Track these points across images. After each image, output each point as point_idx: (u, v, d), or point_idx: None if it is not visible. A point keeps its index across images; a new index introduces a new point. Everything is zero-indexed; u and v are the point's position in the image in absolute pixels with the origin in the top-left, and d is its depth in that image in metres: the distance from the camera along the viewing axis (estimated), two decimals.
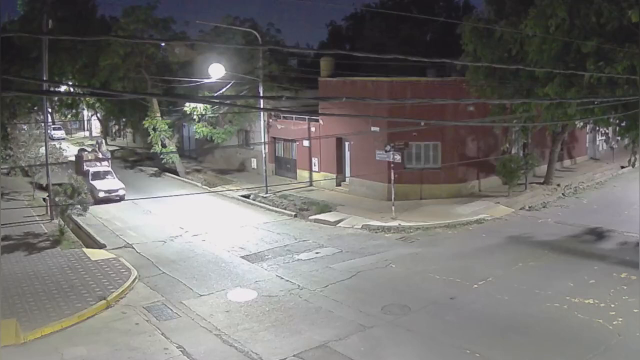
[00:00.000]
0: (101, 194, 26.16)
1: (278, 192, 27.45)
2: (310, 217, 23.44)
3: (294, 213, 24.22)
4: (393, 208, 22.59)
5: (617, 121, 20.44)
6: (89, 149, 35.84)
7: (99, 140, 38.95)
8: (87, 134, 59.98)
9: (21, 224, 22.54)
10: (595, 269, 16.34)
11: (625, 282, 15.13)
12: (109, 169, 28.96)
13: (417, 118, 22.68)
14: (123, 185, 27.20)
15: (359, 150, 26.97)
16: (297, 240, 20.49)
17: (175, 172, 34.06)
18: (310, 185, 29.17)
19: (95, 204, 24.63)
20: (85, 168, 28.22)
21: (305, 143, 29.60)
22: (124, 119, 45.90)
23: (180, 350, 12.32)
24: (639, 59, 16.30)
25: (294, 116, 29.75)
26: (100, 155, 32.08)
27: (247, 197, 27.57)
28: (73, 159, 31.37)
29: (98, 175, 27.82)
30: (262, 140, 30.30)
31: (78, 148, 31.94)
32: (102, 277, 16.48)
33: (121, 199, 26.19)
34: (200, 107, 31.03)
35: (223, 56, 28.29)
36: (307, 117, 28.66)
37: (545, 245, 18.78)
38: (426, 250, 18.84)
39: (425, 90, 24.80)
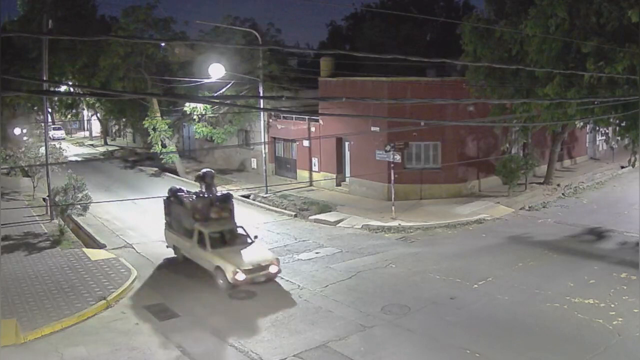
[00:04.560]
0: (239, 276, 14.92)
1: (278, 192, 27.46)
2: (310, 217, 23.44)
3: (294, 213, 24.23)
4: (393, 208, 22.59)
5: (617, 121, 20.44)
6: (187, 189, 19.39)
7: (207, 174, 18.14)
8: (87, 134, 60.04)
9: (21, 224, 22.54)
10: (595, 269, 16.34)
11: (625, 282, 15.13)
12: (236, 224, 17.40)
13: (417, 118, 22.70)
14: (274, 256, 16.26)
15: (359, 150, 26.97)
16: (297, 240, 20.49)
17: (175, 172, 34.07)
18: (310, 185, 29.18)
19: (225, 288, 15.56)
20: (194, 225, 16.84)
21: (305, 143, 29.61)
22: (124, 119, 45.93)
23: (180, 350, 12.31)
24: (639, 59, 16.31)
25: (294, 116, 29.75)
26: (216, 195, 17.84)
27: (247, 197, 27.58)
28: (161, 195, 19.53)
29: (223, 240, 16.61)
30: (262, 140, 30.31)
31: (170, 189, 18.86)
32: (102, 277, 16.48)
33: (272, 278, 15.85)
34: (200, 107, 31.05)
35: (223, 56, 28.29)
36: (307, 117, 28.66)
37: (545, 245, 18.77)
38: (426, 250, 18.83)
39: (425, 90, 24.79)
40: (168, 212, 18.68)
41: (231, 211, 17.68)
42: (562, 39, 17.82)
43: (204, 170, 18.49)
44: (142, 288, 16.13)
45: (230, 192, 19.78)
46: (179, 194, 18.25)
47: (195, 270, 17.58)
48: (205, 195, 17.58)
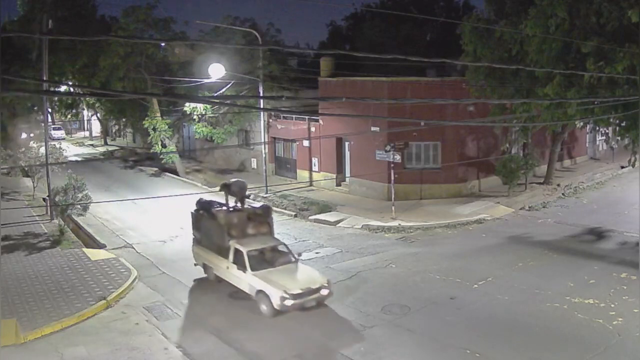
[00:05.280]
0: (288, 302, 13.21)
1: (278, 192, 27.46)
2: (310, 217, 23.44)
3: (294, 213, 24.22)
4: (393, 208, 22.59)
5: (617, 121, 20.44)
6: (218, 201, 17.03)
7: (236, 185, 16.64)
8: (87, 134, 60.04)
9: (21, 224, 22.54)
10: (595, 269, 16.34)
11: (625, 282, 15.13)
12: (278, 240, 15.79)
13: (417, 118, 22.70)
14: (324, 277, 14.45)
15: (359, 150, 26.97)
16: (297, 240, 20.48)
17: (175, 172, 34.07)
18: (310, 185, 29.18)
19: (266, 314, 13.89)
20: (230, 242, 14.96)
21: (305, 143, 29.60)
22: (124, 119, 45.93)
23: (180, 350, 12.32)
24: (639, 59, 16.31)
25: (294, 116, 29.75)
26: (253, 207, 16.87)
27: (247, 197, 27.51)
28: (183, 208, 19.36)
29: (264, 260, 14.67)
30: (262, 140, 30.31)
31: (198, 200, 17.04)
32: (102, 277, 16.48)
33: (323, 301, 14.03)
34: (200, 107, 31.05)
35: (223, 56, 28.29)
36: (307, 117, 28.66)
37: (545, 245, 18.78)
38: (426, 250, 18.83)
39: (425, 90, 24.79)
40: (197, 227, 16.68)
41: (270, 226, 15.92)
42: (562, 39, 17.82)
43: (233, 180, 16.78)
44: (142, 288, 16.13)
45: (268, 204, 17.65)
46: (212, 207, 16.12)
47: (196, 270, 17.62)
48: (240, 208, 15.80)
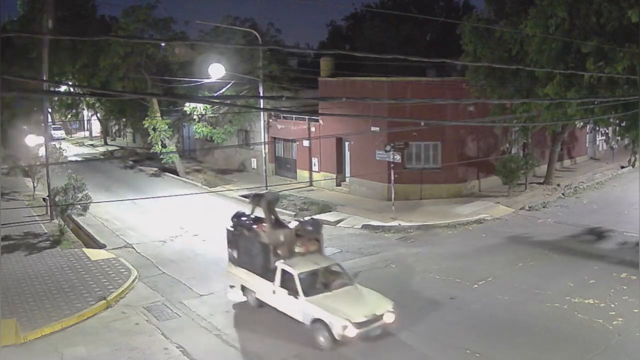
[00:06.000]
0: (351, 332, 11.69)
1: (278, 192, 27.37)
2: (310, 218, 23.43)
3: (294, 213, 24.21)
4: (393, 208, 22.59)
5: (617, 121, 20.43)
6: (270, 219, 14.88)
7: (269, 198, 14.67)
8: (87, 134, 60.03)
9: (21, 224, 22.54)
10: (595, 269, 16.34)
11: (625, 282, 15.14)
12: (331, 259, 14.45)
13: (417, 118, 22.70)
14: (389, 301, 12.77)
15: (359, 150, 26.97)
16: None
17: (175, 172, 34.07)
18: (310, 185, 29.18)
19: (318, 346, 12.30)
20: (277, 264, 13.35)
21: (305, 143, 29.60)
22: (124, 119, 45.93)
23: (180, 350, 12.32)
24: (639, 59, 16.31)
25: (294, 116, 29.75)
26: (305, 222, 14.82)
27: (247, 197, 27.51)
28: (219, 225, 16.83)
29: (318, 283, 13.05)
30: (262, 140, 30.31)
31: (234, 215, 15.14)
32: (102, 277, 16.48)
33: (388, 329, 12.44)
34: (200, 107, 31.05)
35: (223, 56, 28.28)
36: (307, 117, 28.66)
37: (545, 245, 18.78)
38: (426, 250, 18.84)
39: (425, 90, 24.80)
40: (234, 245, 14.81)
41: (320, 243, 14.18)
42: (562, 39, 17.81)
43: (267, 192, 15.01)
44: (142, 288, 16.13)
45: (317, 218, 15.50)
46: (250, 222, 14.38)
47: (196, 270, 17.54)
48: (284, 224, 14.14)
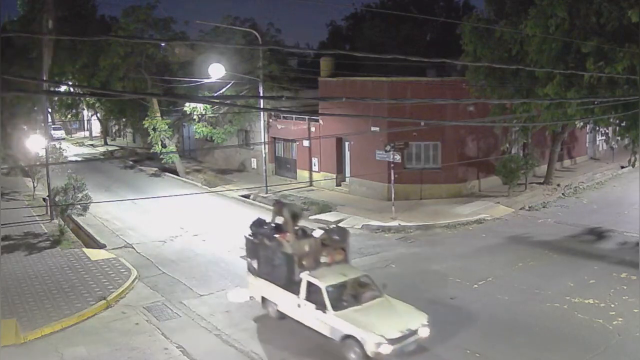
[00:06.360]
0: (385, 349, 10.98)
1: (278, 192, 27.45)
2: (310, 217, 23.41)
3: None
4: (393, 208, 22.59)
5: (617, 121, 20.43)
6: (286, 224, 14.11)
7: (289, 208, 14.19)
8: (87, 134, 60.03)
9: (21, 224, 22.54)
10: (595, 269, 16.34)
11: (625, 282, 15.14)
12: (359, 270, 13.42)
13: (417, 118, 22.70)
14: (422, 313, 12.06)
15: (359, 150, 26.97)
16: None
17: (175, 172, 34.08)
18: (310, 185, 29.18)
19: None
20: (302, 275, 12.65)
21: (305, 143, 29.60)
22: (124, 119, 45.94)
23: (180, 350, 12.33)
24: (639, 59, 16.31)
25: (294, 116, 29.75)
26: (329, 231, 13.78)
27: (247, 197, 27.59)
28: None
29: (347, 295, 12.36)
30: (262, 140, 30.31)
31: (253, 222, 14.39)
32: (102, 277, 16.48)
33: (422, 344, 11.79)
34: (200, 107, 31.05)
35: (223, 56, 28.29)
36: (307, 117, 28.66)
37: (545, 245, 18.78)
38: (426, 250, 18.84)
39: (425, 90, 24.80)
40: (254, 255, 14.00)
41: (346, 252, 13.54)
42: (562, 39, 17.81)
43: (291, 204, 14.69)
44: (142, 288, 16.13)
45: (344, 226, 14.70)
46: (270, 230, 13.67)
47: (196, 270, 17.54)
48: (308, 233, 13.41)
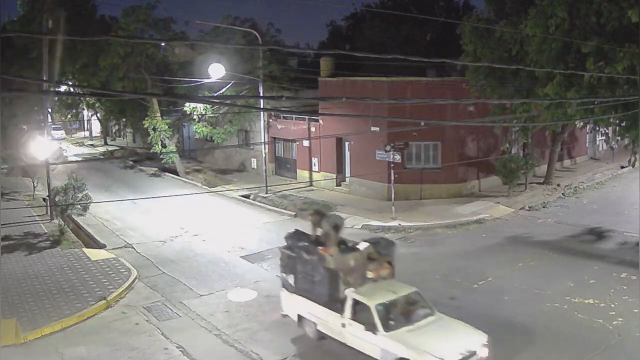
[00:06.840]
0: None
1: (278, 192, 27.45)
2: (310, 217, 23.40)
3: (294, 213, 24.22)
4: (393, 208, 22.58)
5: (617, 121, 20.43)
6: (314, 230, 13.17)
7: (334, 220, 12.89)
8: (87, 134, 60.02)
9: (21, 224, 22.54)
10: (595, 269, 16.34)
11: (625, 282, 15.14)
12: (409, 286, 12.20)
13: (417, 118, 22.70)
14: (481, 333, 11.12)
15: (359, 150, 26.97)
16: None
17: (175, 172, 34.07)
18: (310, 185, 29.17)
19: None
20: (347, 293, 11.71)
21: (305, 143, 29.60)
22: (124, 119, 45.94)
23: (180, 350, 12.33)
24: (639, 59, 16.31)
25: (294, 116, 29.75)
26: (374, 244, 12.75)
27: (247, 197, 27.59)
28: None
29: (398, 314, 11.43)
30: (262, 140, 30.31)
31: (290, 235, 13.42)
32: (102, 277, 16.48)
33: None
34: (200, 107, 31.04)
35: (223, 56, 28.28)
36: (307, 117, 28.66)
37: (545, 245, 18.78)
38: (426, 250, 18.84)
39: (425, 90, 24.80)
40: (290, 270, 12.80)
41: (392, 267, 12.58)
42: (562, 39, 17.81)
43: (332, 214, 13.98)
44: (142, 288, 16.13)
45: (389, 239, 14.05)
46: (310, 243, 12.52)
47: (196, 270, 17.55)
48: (352, 246, 12.33)
